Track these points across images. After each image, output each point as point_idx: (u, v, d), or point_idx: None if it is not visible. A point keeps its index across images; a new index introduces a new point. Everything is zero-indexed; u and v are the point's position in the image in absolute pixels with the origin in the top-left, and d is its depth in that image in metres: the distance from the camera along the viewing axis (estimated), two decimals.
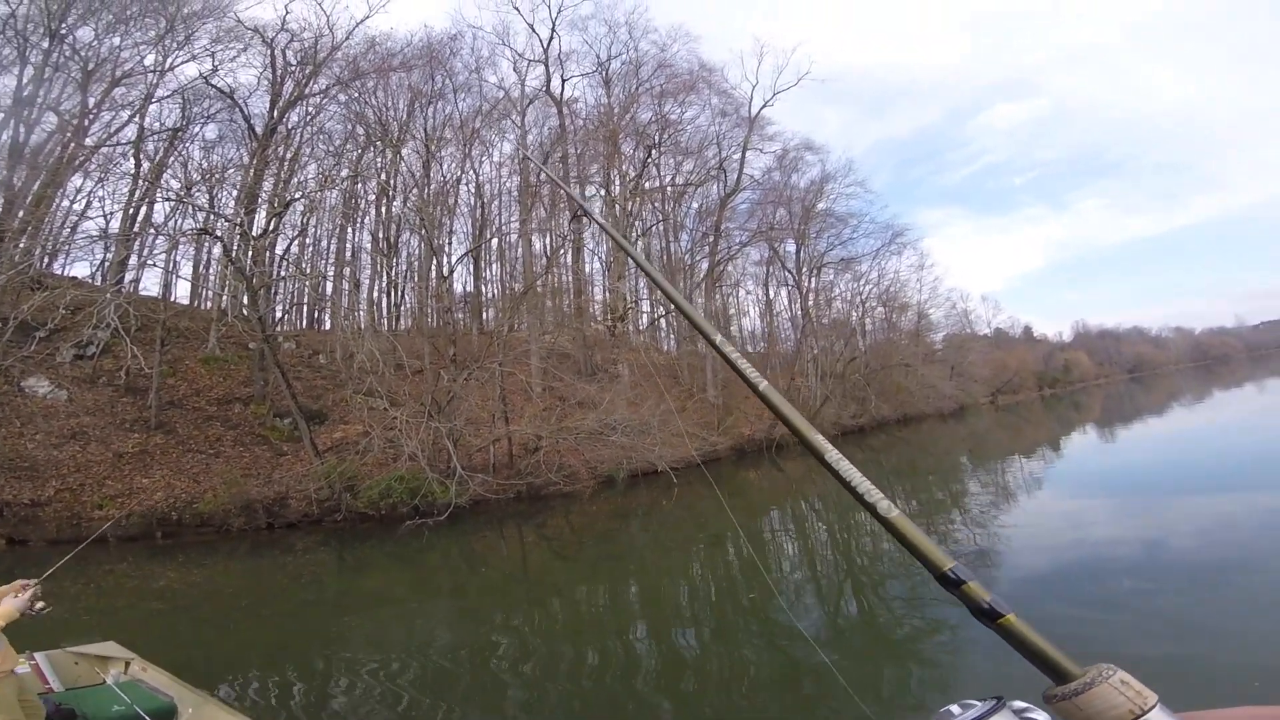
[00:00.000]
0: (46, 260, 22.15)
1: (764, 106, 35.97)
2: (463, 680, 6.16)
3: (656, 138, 33.49)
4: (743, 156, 35.83)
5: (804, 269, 39.04)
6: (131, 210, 23.18)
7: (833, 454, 0.68)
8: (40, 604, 2.98)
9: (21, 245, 17.02)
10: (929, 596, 7.42)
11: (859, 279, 41.82)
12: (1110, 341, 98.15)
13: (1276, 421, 23.05)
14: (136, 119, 22.76)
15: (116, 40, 21.42)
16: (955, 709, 0.54)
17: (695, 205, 38.35)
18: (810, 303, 39.27)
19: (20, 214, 19.14)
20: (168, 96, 23.13)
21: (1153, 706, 0.47)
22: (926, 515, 13.07)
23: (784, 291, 43.22)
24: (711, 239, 35.99)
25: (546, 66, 31.12)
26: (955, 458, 24.05)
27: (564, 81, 32.02)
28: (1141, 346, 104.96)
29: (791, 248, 38.52)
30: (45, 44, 20.13)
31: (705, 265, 36.84)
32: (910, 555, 0.60)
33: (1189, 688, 4.33)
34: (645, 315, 40.56)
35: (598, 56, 33.42)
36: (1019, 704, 0.54)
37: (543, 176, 29.65)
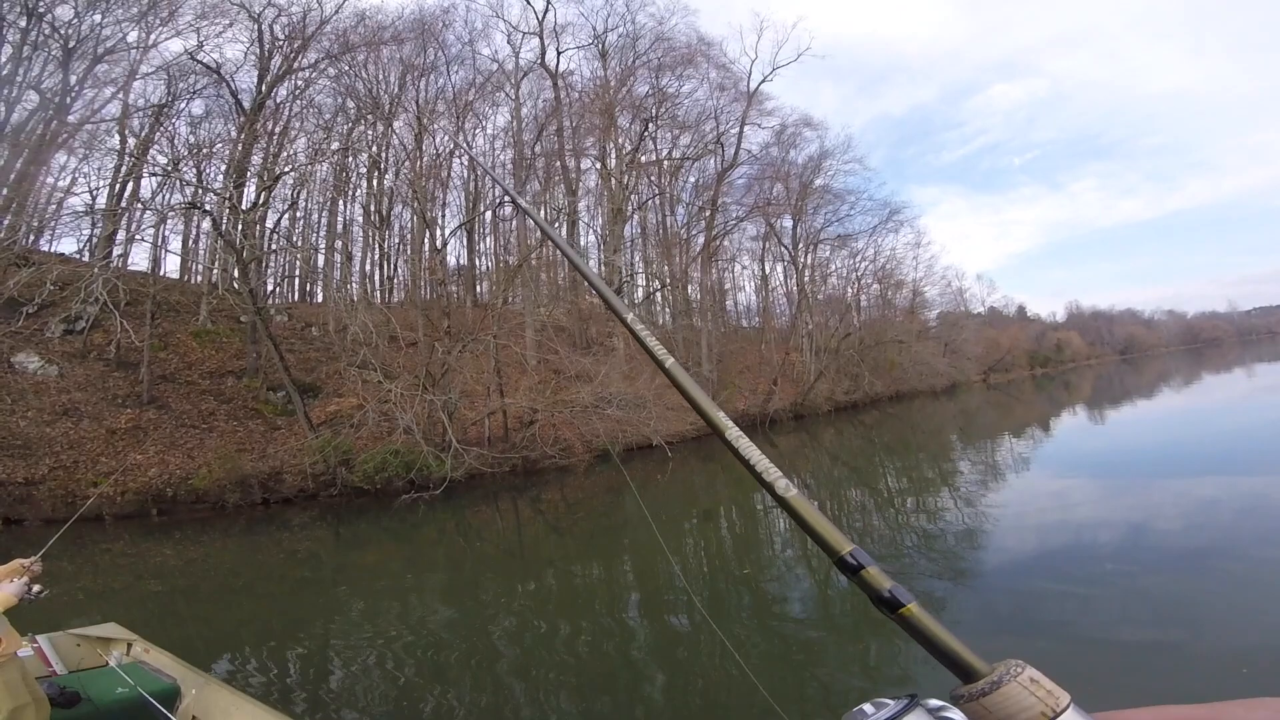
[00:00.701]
0: (32, 237, 21.85)
1: (763, 81, 35.53)
2: (458, 655, 6.24)
3: (653, 111, 33.03)
4: (740, 131, 35.45)
5: (800, 245, 38.95)
6: (118, 186, 22.82)
7: (733, 431, 0.65)
8: (38, 588, 2.98)
9: (6, 222, 16.74)
10: (915, 573, 7.55)
11: (855, 255, 41.85)
12: (1103, 322, 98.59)
13: (1261, 404, 23.30)
14: (120, 96, 22.28)
15: (97, 17, 20.82)
16: (868, 708, 0.51)
17: (692, 179, 38.08)
18: (806, 279, 39.26)
19: (3, 191, 18.80)
20: (152, 73, 22.55)
21: (1066, 707, 0.44)
22: (916, 492, 13.24)
23: (780, 267, 43.19)
24: (708, 213, 35.74)
25: (541, 39, 30.56)
26: (946, 435, 24.26)
27: (559, 54, 31.50)
28: (1134, 328, 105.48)
29: (788, 223, 38.43)
30: (22, 22, 19.58)
31: (701, 239, 36.65)
32: (811, 538, 0.57)
33: (1175, 672, 4.42)
34: (640, 289, 40.45)
35: (594, 29, 32.82)
36: (934, 702, 0.50)
37: (538, 150, 29.30)
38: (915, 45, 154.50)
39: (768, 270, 43.18)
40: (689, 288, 37.42)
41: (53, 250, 22.36)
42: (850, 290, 42.16)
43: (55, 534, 3.93)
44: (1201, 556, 6.86)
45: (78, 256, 21.52)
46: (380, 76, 25.23)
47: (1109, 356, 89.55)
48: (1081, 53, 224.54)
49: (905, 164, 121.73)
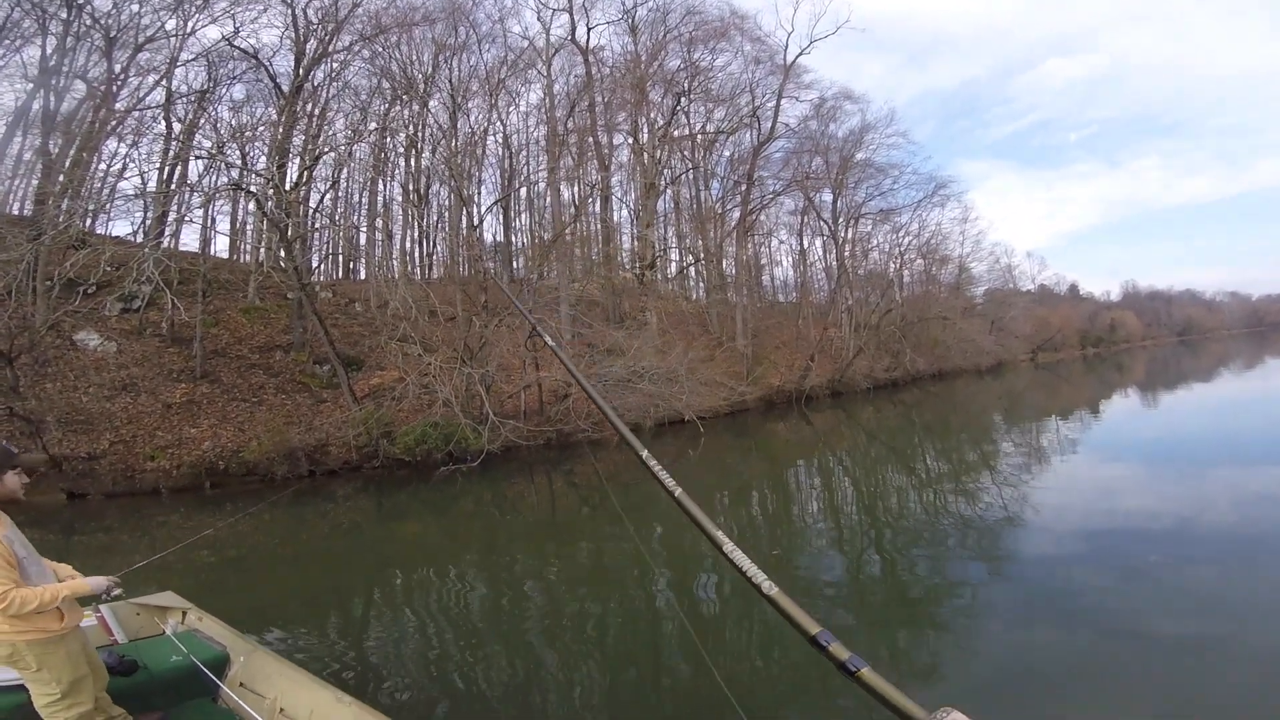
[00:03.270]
0: (89, 220, 22.73)
1: (800, 55, 34.35)
2: (492, 623, 6.41)
3: (686, 85, 32.40)
4: (777, 105, 34.52)
5: (840, 219, 38.01)
6: (166, 170, 23.57)
7: (728, 545, 0.83)
8: (118, 590, 3.12)
9: (64, 207, 17.42)
10: (952, 557, 7.43)
11: (898, 230, 40.66)
12: (1160, 303, 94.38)
13: None
14: (164, 83, 22.84)
15: (135, 7, 21.26)
16: None
17: (727, 153, 37.34)
18: (846, 253, 38.37)
19: (60, 178, 19.57)
20: (192, 60, 23.05)
21: None
22: (955, 476, 12.94)
23: (819, 242, 42.26)
24: (744, 188, 35.12)
25: (571, 15, 30.09)
26: (989, 416, 23.65)
27: (589, 30, 30.98)
28: (1193, 310, 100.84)
29: (828, 197, 37.46)
30: (64, 14, 20.14)
31: (737, 214, 36.10)
32: (785, 618, 0.74)
33: (1215, 667, 4.27)
34: (674, 264, 40.20)
35: (623, 3, 32.18)
36: None
37: (571, 126, 29.11)
38: (965, 19, 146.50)
39: (806, 245, 42.37)
40: (724, 262, 37.03)
41: (108, 233, 23.32)
42: (892, 265, 41.15)
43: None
44: (1251, 548, 6.58)
45: (132, 238, 22.39)
46: (414, 57, 25.27)
47: (1165, 338, 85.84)
48: (1145, 30, 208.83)
49: (954, 138, 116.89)
